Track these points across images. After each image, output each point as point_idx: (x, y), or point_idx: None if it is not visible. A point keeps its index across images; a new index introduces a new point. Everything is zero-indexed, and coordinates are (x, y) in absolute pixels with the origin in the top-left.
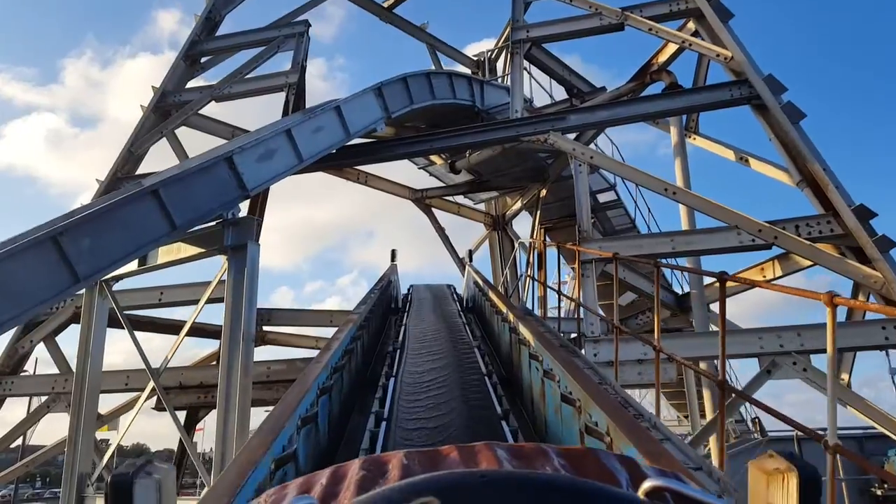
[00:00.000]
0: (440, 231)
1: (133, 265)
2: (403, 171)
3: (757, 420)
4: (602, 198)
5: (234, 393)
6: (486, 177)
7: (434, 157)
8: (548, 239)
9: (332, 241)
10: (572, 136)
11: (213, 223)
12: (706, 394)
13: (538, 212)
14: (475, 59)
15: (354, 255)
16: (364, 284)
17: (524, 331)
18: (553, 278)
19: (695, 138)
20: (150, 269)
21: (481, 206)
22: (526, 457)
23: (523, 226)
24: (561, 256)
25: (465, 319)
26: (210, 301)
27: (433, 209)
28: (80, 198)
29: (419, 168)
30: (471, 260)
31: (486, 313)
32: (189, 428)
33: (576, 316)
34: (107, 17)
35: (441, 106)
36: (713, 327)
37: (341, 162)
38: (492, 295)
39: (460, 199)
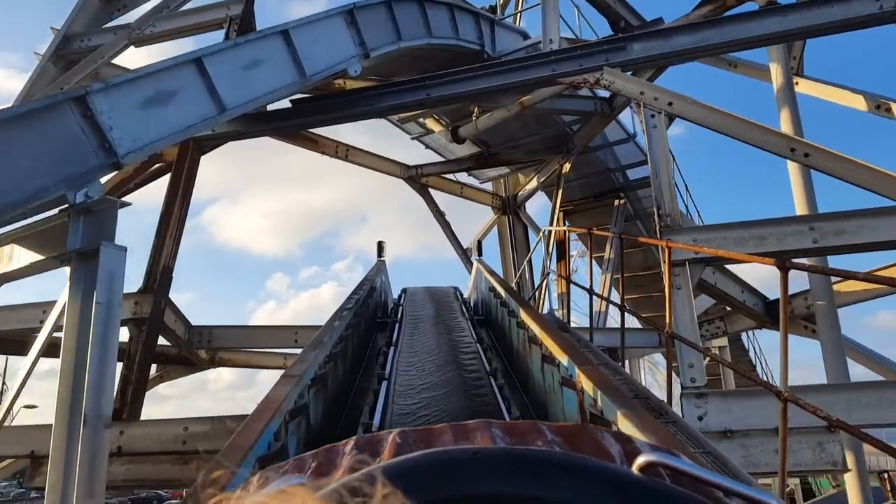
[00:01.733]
0: (439, 216)
1: None
2: (396, 143)
3: (886, 476)
4: (633, 173)
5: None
6: (494, 148)
7: (432, 124)
8: (566, 225)
9: (327, 227)
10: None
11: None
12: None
13: (559, 191)
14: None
15: (350, 240)
16: (360, 270)
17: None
18: (569, 270)
19: (798, 82)
20: None
21: (488, 186)
22: (520, 434)
23: (533, 208)
24: (580, 245)
25: (488, 366)
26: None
27: (430, 189)
28: None
29: (412, 138)
30: (480, 253)
31: (514, 340)
32: None
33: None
34: None
35: (440, 49)
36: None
37: (301, 121)
38: (532, 324)
39: (463, 177)
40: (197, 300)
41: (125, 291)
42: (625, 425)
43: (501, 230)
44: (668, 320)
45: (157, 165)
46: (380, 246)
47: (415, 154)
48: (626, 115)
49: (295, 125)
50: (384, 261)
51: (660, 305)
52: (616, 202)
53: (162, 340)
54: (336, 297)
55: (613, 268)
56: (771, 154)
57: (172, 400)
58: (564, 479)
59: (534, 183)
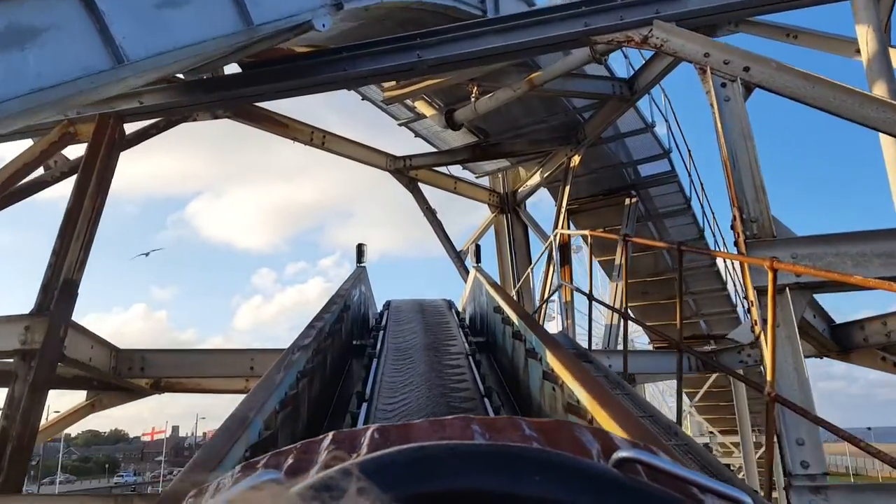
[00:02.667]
0: (429, 214)
1: None
2: (385, 134)
3: None
4: (647, 169)
5: None
6: (494, 138)
7: (423, 108)
8: (571, 227)
9: (313, 222)
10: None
11: None
12: None
13: (566, 188)
14: None
15: (336, 236)
16: (347, 266)
17: None
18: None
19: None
20: None
21: (485, 181)
22: (499, 430)
23: (530, 205)
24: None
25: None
26: None
27: (420, 184)
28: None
29: (400, 124)
30: (478, 259)
31: (533, 389)
32: None
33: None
34: None
35: (432, 11)
36: None
37: (255, 90)
38: (573, 382)
39: (457, 170)
40: (180, 295)
41: (10, 314)
42: None
43: (499, 230)
44: (767, 376)
45: (77, 149)
46: (359, 250)
47: (405, 146)
48: (643, 102)
49: (247, 96)
50: (364, 267)
51: (665, 313)
52: (627, 201)
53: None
54: (323, 293)
55: (624, 275)
56: (893, 137)
57: (155, 395)
58: (540, 474)
59: (536, 178)
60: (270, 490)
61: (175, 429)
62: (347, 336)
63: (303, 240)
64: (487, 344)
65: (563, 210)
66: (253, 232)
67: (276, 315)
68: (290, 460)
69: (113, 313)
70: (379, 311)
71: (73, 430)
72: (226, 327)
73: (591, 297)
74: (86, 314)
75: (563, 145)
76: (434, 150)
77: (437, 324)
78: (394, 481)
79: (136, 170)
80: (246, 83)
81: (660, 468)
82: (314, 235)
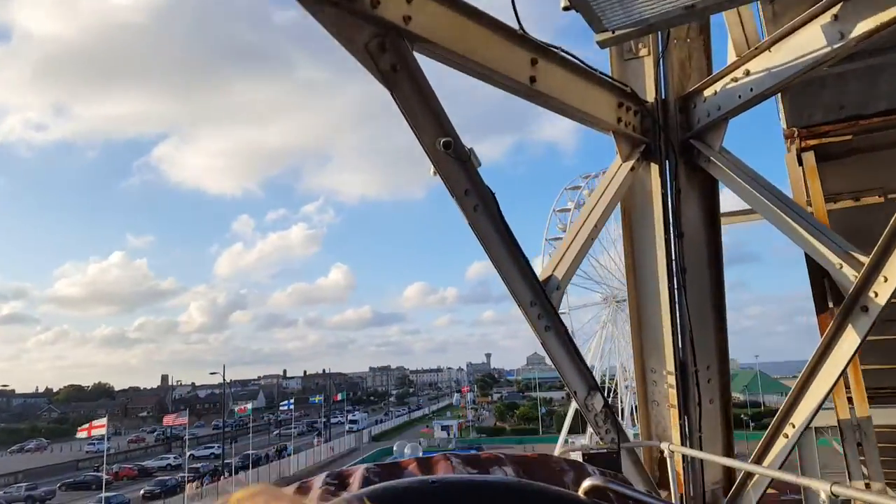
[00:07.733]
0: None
1: None
2: None
3: None
4: None
5: None
6: None
7: None
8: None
9: (289, 166)
10: None
11: None
12: None
13: None
14: None
15: (315, 181)
16: (331, 213)
17: None
18: None
19: None
20: None
21: (607, 67)
22: (480, 464)
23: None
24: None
25: None
26: None
27: (416, 76)
28: (5, 119)
29: None
30: None
31: None
32: None
33: None
34: None
35: None
36: None
37: None
38: None
39: (547, 24)
40: (157, 243)
41: None
42: None
43: (634, 203)
44: None
45: None
46: None
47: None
48: None
49: None
50: None
51: (886, 352)
52: None
53: None
54: (306, 239)
55: None
56: None
57: (142, 343)
58: (514, 502)
59: (805, 46)
60: None
61: (164, 378)
62: None
63: (280, 185)
64: None
65: None
66: (226, 177)
67: (256, 262)
68: (287, 499)
69: (90, 262)
70: None
71: (55, 384)
72: (208, 276)
73: None
74: (62, 263)
75: None
76: None
77: None
78: None
79: (89, 112)
80: None
81: (625, 495)
82: (291, 180)
